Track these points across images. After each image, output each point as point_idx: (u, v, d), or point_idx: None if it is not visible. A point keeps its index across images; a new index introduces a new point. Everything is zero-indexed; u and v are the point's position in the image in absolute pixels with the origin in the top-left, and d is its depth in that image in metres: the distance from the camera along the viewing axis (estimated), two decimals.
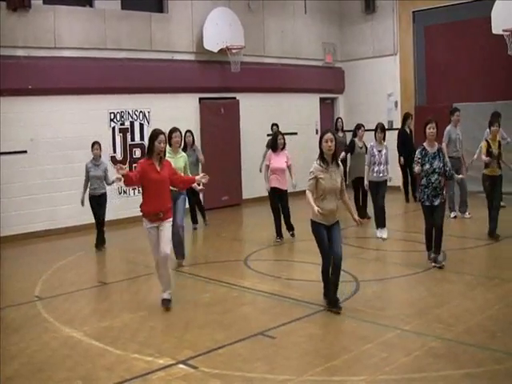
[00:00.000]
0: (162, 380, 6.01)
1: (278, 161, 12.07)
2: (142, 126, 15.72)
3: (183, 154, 10.76)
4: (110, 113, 15.20)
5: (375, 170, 12.03)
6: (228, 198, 17.19)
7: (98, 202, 12.17)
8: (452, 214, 13.69)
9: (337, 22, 20.62)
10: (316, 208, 7.52)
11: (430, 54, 18.62)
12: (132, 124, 15.57)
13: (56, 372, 6.26)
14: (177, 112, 16.10)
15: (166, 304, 8.24)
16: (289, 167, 12.17)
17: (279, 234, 12.34)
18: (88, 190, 12.10)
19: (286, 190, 12.27)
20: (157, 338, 7.22)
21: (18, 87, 13.47)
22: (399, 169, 16.52)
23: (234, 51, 16.78)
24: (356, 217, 8.26)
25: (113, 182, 12.09)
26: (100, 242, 12.28)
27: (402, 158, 16.26)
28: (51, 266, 11.06)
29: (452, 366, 6.04)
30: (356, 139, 13.98)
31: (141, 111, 15.74)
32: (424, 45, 18.78)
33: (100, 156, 12.23)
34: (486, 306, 7.89)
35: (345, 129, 17.84)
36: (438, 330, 7.01)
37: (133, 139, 15.59)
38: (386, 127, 18.41)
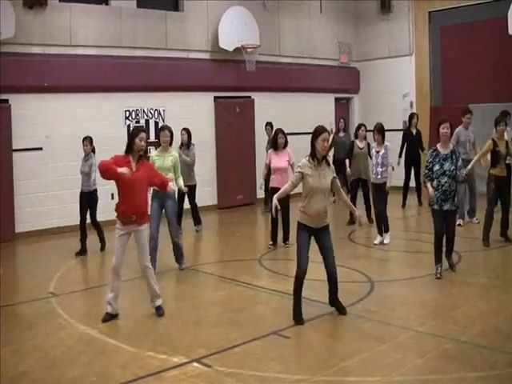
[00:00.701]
0: (176, 378, 6.02)
1: (279, 160, 11.70)
2: (156, 124, 15.73)
3: (174, 153, 10.32)
4: (125, 111, 15.24)
5: (373, 171, 11.78)
6: (242, 197, 17.20)
7: (86, 199, 11.70)
8: (458, 222, 12.77)
9: (352, 21, 20.57)
10: (275, 201, 7.41)
11: (445, 54, 18.54)
12: (147, 122, 15.60)
13: (71, 368, 6.28)
14: (192, 110, 16.14)
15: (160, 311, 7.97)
16: (291, 166, 11.59)
17: (274, 238, 11.83)
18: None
19: None
20: (171, 335, 7.23)
21: (34, 84, 13.54)
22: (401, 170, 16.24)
23: (249, 50, 16.78)
24: (357, 213, 8.00)
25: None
26: (84, 249, 11.77)
27: (400, 160, 15.91)
28: (66, 262, 11.11)
29: (466, 369, 6.01)
30: (357, 140, 13.60)
31: (156, 109, 15.78)
32: (440, 45, 18.70)
33: (89, 152, 11.78)
34: (500, 309, 7.86)
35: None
36: (453, 332, 6.98)
37: (147, 137, 15.54)
38: (401, 127, 18.52)
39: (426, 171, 9.29)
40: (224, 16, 16.53)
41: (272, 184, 11.73)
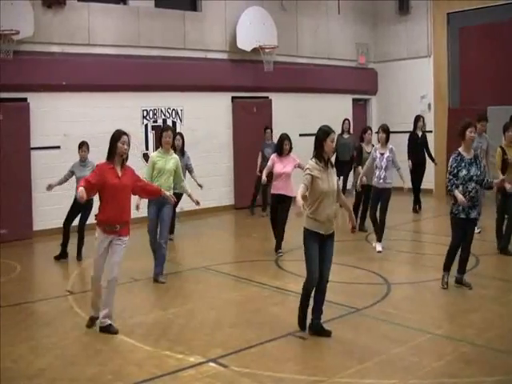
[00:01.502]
0: (193, 378, 6.03)
1: (282, 166, 11.16)
2: (174, 123, 15.77)
3: (175, 156, 10.01)
4: (143, 110, 15.29)
5: (376, 174, 11.22)
6: (259, 198, 17.17)
7: (82, 205, 10.90)
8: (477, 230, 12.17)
9: (370, 22, 20.51)
10: (301, 202, 6.66)
11: (464, 55, 18.41)
12: (165, 122, 15.62)
13: (88, 366, 6.32)
14: (209, 110, 16.17)
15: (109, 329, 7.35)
16: (301, 167, 10.75)
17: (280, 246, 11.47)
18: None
19: (291, 198, 10.77)
20: (188, 335, 7.24)
21: (53, 83, 13.62)
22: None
23: (267, 51, 16.77)
24: (353, 222, 7.59)
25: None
26: (65, 253, 11.42)
27: (409, 162, 15.35)
28: (83, 261, 11.16)
29: (483, 373, 5.98)
30: (363, 144, 13.08)
31: (173, 109, 15.81)
32: (458, 46, 18.56)
33: (87, 158, 11.57)
34: None
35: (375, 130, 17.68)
36: (470, 335, 6.95)
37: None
38: None
39: (451, 177, 8.64)
40: (242, 16, 16.54)
41: (273, 190, 11.29)
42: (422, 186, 15.92)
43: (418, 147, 15.65)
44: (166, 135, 9.85)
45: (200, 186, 12.00)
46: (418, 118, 15.95)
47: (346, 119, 17.32)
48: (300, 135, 16.35)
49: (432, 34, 19.08)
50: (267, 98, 17.72)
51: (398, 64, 19.93)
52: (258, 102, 17.50)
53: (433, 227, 14.54)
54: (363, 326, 7.50)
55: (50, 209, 13.60)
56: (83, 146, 11.56)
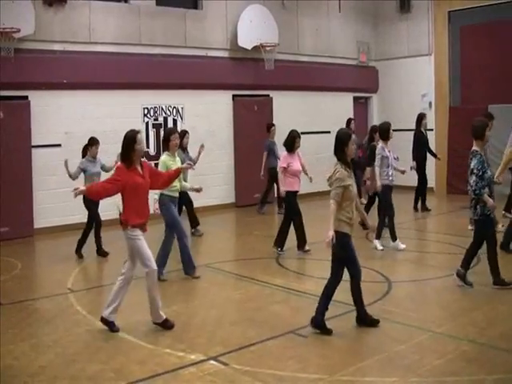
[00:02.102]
0: (193, 375, 6.03)
1: (296, 163, 11.24)
2: (175, 121, 15.79)
3: (177, 157, 10.04)
4: (144, 108, 15.30)
5: (389, 173, 11.16)
6: (260, 196, 17.18)
7: (96, 202, 11.27)
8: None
9: (371, 21, 20.50)
10: (332, 233, 6.78)
11: (465, 54, 18.40)
12: (165, 120, 15.65)
13: (89, 364, 6.32)
14: (210, 108, 16.18)
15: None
16: (303, 166, 11.40)
17: (305, 241, 11.38)
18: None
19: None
20: (189, 333, 7.25)
21: (53, 81, 13.64)
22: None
23: (267, 49, 16.78)
24: (369, 223, 7.90)
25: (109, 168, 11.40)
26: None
27: (414, 163, 15.12)
28: (84, 258, 11.17)
29: (485, 371, 5.96)
30: (375, 143, 12.82)
31: (174, 107, 15.82)
32: (459, 45, 18.54)
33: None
34: None
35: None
36: (471, 334, 6.93)
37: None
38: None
39: (477, 180, 8.33)
40: (243, 14, 16.55)
41: (293, 188, 11.21)
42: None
43: (424, 145, 15.46)
44: (174, 137, 9.79)
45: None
46: (422, 116, 15.68)
47: (352, 119, 17.24)
48: (301, 133, 16.29)
49: (433, 33, 19.06)
50: (268, 96, 17.72)
51: (399, 62, 19.92)
52: (259, 100, 17.51)
53: (434, 225, 14.52)
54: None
55: (50, 207, 13.64)
56: (97, 142, 11.63)
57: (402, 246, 11.23)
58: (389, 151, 11.24)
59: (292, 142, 11.39)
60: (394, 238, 11.28)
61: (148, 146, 15.30)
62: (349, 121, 16.86)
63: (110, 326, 7.34)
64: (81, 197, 13.75)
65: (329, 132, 18.49)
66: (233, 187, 16.96)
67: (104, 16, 14.47)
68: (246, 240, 13.01)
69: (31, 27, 12.95)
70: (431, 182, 17.98)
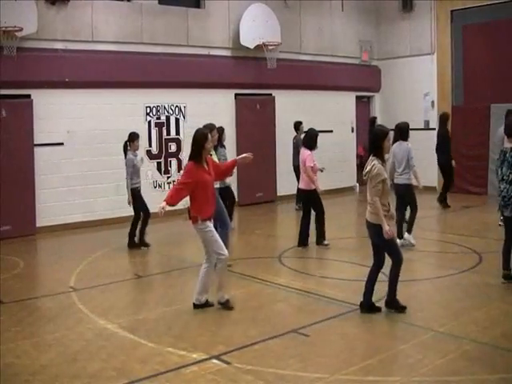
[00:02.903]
0: (195, 374, 6.02)
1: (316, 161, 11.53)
2: (177, 120, 15.79)
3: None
4: (146, 107, 15.29)
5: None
6: (262, 195, 17.19)
7: (140, 195, 11.77)
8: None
9: (374, 20, 20.48)
10: (387, 228, 7.19)
11: (467, 53, 18.37)
12: (168, 118, 15.65)
13: (90, 362, 6.31)
14: (212, 107, 16.15)
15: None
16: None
17: (324, 236, 11.61)
18: (133, 185, 11.55)
19: None
20: (191, 332, 7.24)
21: (56, 80, 13.63)
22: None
23: (270, 48, 16.76)
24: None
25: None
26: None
27: (453, 161, 15.39)
28: (87, 257, 11.17)
29: (487, 371, 5.95)
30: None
31: (177, 106, 15.81)
32: (462, 44, 18.52)
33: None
34: None
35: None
36: (474, 333, 6.92)
37: (168, 133, 15.68)
38: (423, 127, 18.44)
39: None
40: (245, 13, 16.53)
41: (318, 185, 11.38)
42: (425, 184, 15.81)
43: (450, 145, 15.61)
44: (214, 134, 10.33)
45: None
46: (447, 116, 15.88)
47: (375, 117, 17.42)
48: (303, 132, 16.31)
49: (435, 32, 19.03)
50: (270, 95, 17.71)
51: (401, 61, 19.89)
52: (262, 99, 17.50)
53: (436, 225, 14.50)
54: (366, 323, 7.48)
55: (53, 205, 13.64)
56: (138, 137, 11.80)
57: (413, 242, 11.39)
58: None
59: (314, 140, 11.70)
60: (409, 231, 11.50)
61: (150, 145, 15.31)
62: (373, 120, 17.08)
63: (207, 304, 7.94)
64: (81, 195, 13.90)
65: (331, 131, 18.57)
66: (235, 186, 16.91)
67: (106, 15, 14.46)
68: (247, 239, 13.00)
69: (34, 26, 12.94)
70: (433, 182, 18.00)
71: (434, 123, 18.56)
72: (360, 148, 20.20)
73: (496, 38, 17.53)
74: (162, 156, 15.49)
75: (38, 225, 13.43)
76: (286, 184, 17.06)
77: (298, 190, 12.76)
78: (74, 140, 13.95)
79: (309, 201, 11.57)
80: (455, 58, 18.69)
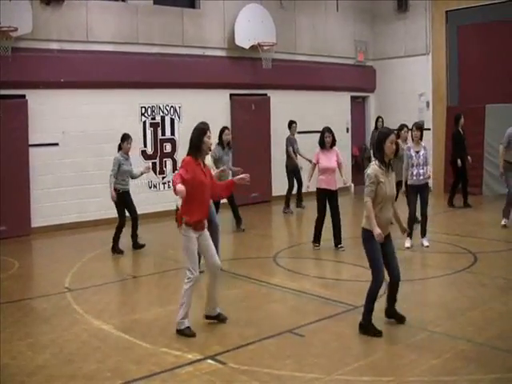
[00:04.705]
0: (191, 375, 6.02)
1: (328, 160, 11.24)
2: (172, 120, 15.78)
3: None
4: (141, 107, 15.28)
5: (414, 172, 11.19)
6: (258, 195, 17.18)
7: (128, 198, 11.62)
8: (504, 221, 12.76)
9: (369, 20, 20.50)
10: (378, 231, 6.76)
11: (462, 54, 18.41)
12: (163, 119, 15.64)
13: (86, 363, 6.30)
14: (208, 107, 16.12)
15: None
16: (339, 165, 11.37)
17: (318, 239, 11.47)
18: (116, 185, 11.40)
19: (337, 191, 11.32)
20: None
21: (51, 80, 13.61)
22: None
23: (265, 48, 16.77)
24: (404, 226, 7.63)
25: (141, 173, 11.72)
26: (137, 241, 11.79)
27: (459, 161, 15.49)
28: (81, 258, 11.15)
29: (483, 371, 5.96)
30: (399, 141, 12.59)
31: (172, 106, 15.80)
32: (457, 45, 18.56)
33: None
34: None
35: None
36: (469, 333, 6.93)
37: (163, 134, 15.66)
38: None
39: None
40: (240, 13, 16.53)
41: (320, 185, 11.29)
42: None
43: (463, 145, 15.64)
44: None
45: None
46: (459, 116, 15.87)
47: (379, 117, 17.56)
48: (298, 132, 16.34)
49: (430, 32, 19.07)
50: (265, 95, 17.72)
51: (396, 62, 19.92)
52: (257, 100, 17.50)
53: (432, 225, 14.47)
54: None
55: (48, 206, 13.62)
56: (129, 138, 11.61)
57: (408, 244, 11.35)
58: (416, 152, 11.25)
59: (321, 136, 11.47)
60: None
61: (146, 145, 15.30)
62: (377, 119, 17.72)
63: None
64: (76, 196, 13.87)
65: None
66: None
67: (101, 15, 14.44)
68: (243, 239, 12.99)
69: (29, 26, 12.92)
70: (429, 182, 18.03)
71: (429, 123, 18.62)
72: (355, 148, 20.23)
73: (491, 38, 17.57)
74: (157, 156, 15.48)
75: (33, 225, 13.40)
76: (281, 184, 17.05)
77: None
78: (68, 140, 13.93)
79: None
80: (450, 59, 18.73)
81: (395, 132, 11.58)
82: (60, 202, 13.80)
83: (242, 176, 7.64)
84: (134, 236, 11.71)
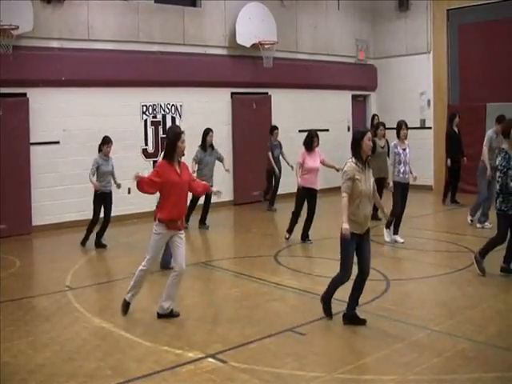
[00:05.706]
0: (191, 373, 6.02)
1: (314, 161, 11.59)
2: (173, 119, 15.77)
3: None
4: (143, 105, 15.27)
5: (401, 170, 11.30)
6: (258, 194, 17.16)
7: (107, 199, 11.79)
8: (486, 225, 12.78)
9: (370, 18, 20.49)
10: (346, 227, 6.85)
11: (463, 52, 18.38)
12: (164, 117, 15.64)
13: (86, 361, 6.31)
14: (209, 106, 16.16)
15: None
16: (324, 162, 11.81)
17: (291, 231, 12.03)
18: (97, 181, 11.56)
19: (317, 191, 11.79)
20: (187, 331, 7.25)
21: (52, 78, 13.60)
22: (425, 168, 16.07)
23: (266, 46, 16.76)
24: (386, 211, 8.06)
25: (117, 185, 11.77)
26: (100, 241, 11.94)
27: (449, 160, 15.64)
28: (82, 256, 11.18)
29: (483, 369, 5.97)
30: (376, 138, 13.13)
31: (173, 104, 15.80)
32: (458, 43, 18.53)
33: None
34: None
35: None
36: (469, 332, 6.94)
37: (165, 132, 15.64)
38: (419, 126, 18.46)
39: (502, 175, 8.84)
40: (241, 12, 16.52)
41: (304, 184, 11.60)
42: (421, 183, 15.89)
43: (457, 144, 15.69)
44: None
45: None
46: (454, 115, 15.95)
47: (375, 115, 17.64)
48: (299, 131, 16.35)
49: (431, 31, 19.04)
50: (266, 93, 17.71)
51: (397, 60, 19.91)
52: (258, 98, 17.49)
53: (432, 223, 14.53)
54: None
55: (49, 204, 13.62)
56: (110, 142, 11.80)
57: (401, 240, 11.55)
58: (403, 149, 11.39)
59: (310, 141, 11.72)
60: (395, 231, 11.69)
61: (147, 144, 15.31)
62: (373, 117, 18.04)
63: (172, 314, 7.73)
64: (77, 194, 13.86)
65: (327, 130, 18.55)
66: (231, 185, 16.93)
67: (102, 13, 14.43)
68: (243, 238, 13.00)
69: (29, 24, 12.92)
70: (430, 181, 18.06)
71: (430, 122, 18.64)
72: None
73: (492, 37, 17.54)
74: (158, 155, 15.46)
75: (33, 223, 13.40)
76: (283, 183, 17.04)
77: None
78: (69, 139, 13.93)
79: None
80: (451, 57, 18.71)
81: (372, 130, 11.94)
82: (61, 201, 13.80)
83: (217, 189, 8.34)
84: (100, 235, 11.90)
